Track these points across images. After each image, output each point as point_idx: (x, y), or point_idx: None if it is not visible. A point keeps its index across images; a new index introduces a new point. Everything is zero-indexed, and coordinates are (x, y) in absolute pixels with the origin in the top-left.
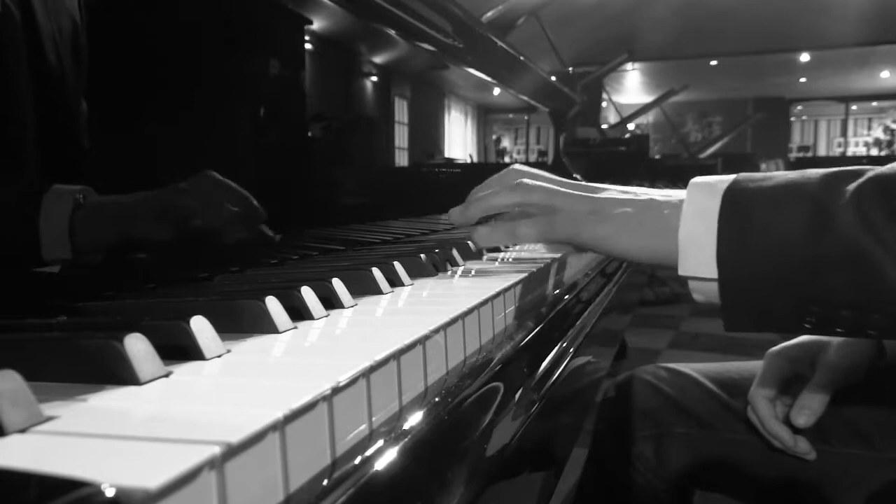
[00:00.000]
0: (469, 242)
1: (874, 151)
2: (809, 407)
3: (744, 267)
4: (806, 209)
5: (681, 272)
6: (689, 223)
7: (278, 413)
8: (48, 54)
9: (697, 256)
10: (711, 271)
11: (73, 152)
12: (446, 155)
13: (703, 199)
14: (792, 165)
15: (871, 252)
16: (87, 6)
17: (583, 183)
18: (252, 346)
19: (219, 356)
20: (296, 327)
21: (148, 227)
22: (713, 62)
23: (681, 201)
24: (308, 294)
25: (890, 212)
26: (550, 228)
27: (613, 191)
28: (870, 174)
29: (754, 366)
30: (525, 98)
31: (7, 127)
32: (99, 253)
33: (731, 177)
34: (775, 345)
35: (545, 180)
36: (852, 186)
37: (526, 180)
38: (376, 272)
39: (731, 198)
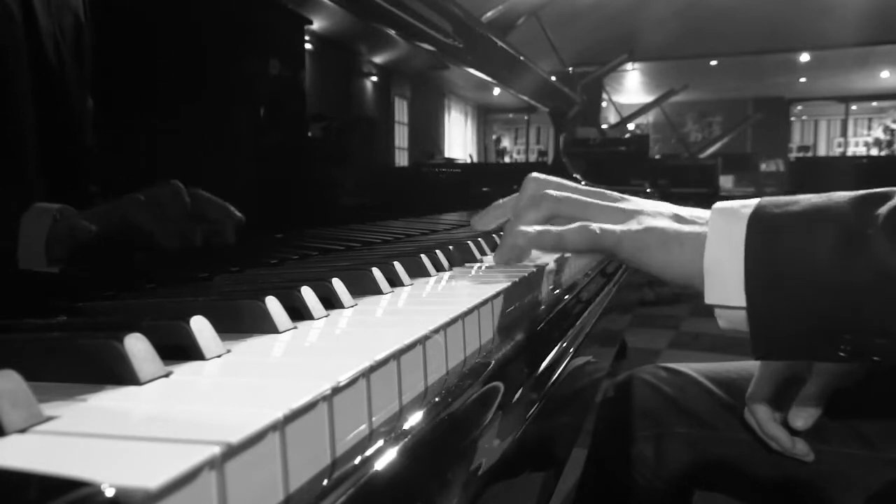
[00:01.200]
0: (470, 242)
1: (874, 151)
2: (807, 409)
3: (773, 295)
4: (835, 234)
5: (707, 300)
6: (714, 250)
7: (278, 413)
8: (49, 54)
9: (724, 284)
10: (739, 299)
11: (75, 152)
12: (446, 155)
13: (728, 225)
14: (792, 165)
15: None
16: (87, 5)
17: (603, 191)
18: (252, 346)
19: (219, 356)
20: (296, 327)
21: (114, 235)
22: (713, 62)
23: (707, 221)
24: (308, 294)
25: None
26: (597, 238)
27: (636, 201)
28: None
29: (754, 366)
30: (525, 98)
31: (4, 129)
32: (74, 264)
33: (755, 201)
34: None
35: (569, 191)
36: (884, 210)
37: (549, 192)
38: (376, 272)
39: (758, 224)
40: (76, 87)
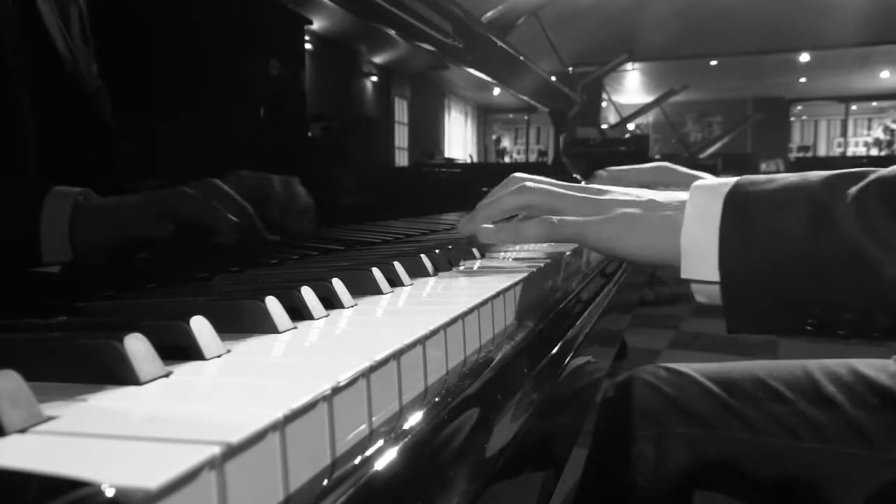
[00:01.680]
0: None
1: (874, 151)
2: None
3: (745, 270)
4: (807, 211)
5: (683, 275)
6: (692, 226)
7: (278, 413)
8: (58, 45)
9: (700, 259)
10: (714, 274)
11: (74, 152)
12: (446, 155)
13: (705, 202)
14: (792, 165)
15: (871, 254)
16: (87, 5)
17: (584, 185)
18: (252, 346)
19: (219, 356)
20: (296, 327)
21: (146, 228)
22: (713, 62)
23: (682, 202)
24: (308, 294)
25: (891, 214)
26: (555, 229)
27: (616, 192)
28: (872, 177)
29: (754, 366)
30: (525, 98)
31: (13, 123)
32: (99, 254)
33: (733, 179)
34: (776, 345)
35: (547, 184)
36: (854, 189)
37: (528, 183)
38: (376, 272)
39: (733, 201)
40: (89, 70)
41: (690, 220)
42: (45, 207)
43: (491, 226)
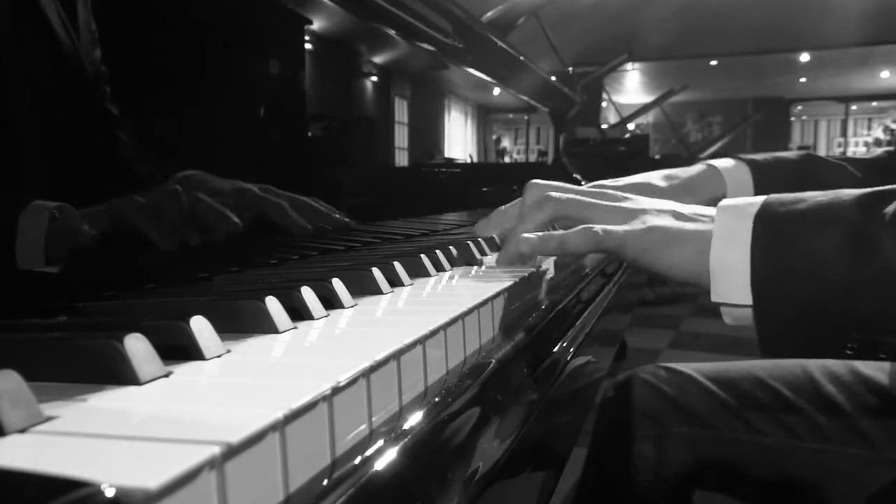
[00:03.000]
0: (470, 243)
1: (874, 151)
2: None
3: (780, 294)
4: (843, 234)
5: (714, 298)
6: (719, 248)
7: (278, 413)
8: (62, 39)
9: (730, 282)
10: (745, 297)
11: (73, 151)
12: (446, 155)
13: (733, 224)
14: None
15: None
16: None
17: (604, 191)
18: (252, 346)
19: (219, 356)
20: (296, 327)
21: (112, 235)
22: (713, 62)
23: (709, 218)
24: (308, 294)
25: None
26: (600, 240)
27: (640, 200)
28: None
29: (754, 366)
30: (525, 98)
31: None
32: (71, 262)
33: (761, 199)
34: None
35: (570, 193)
36: (891, 209)
37: (552, 194)
38: (376, 272)
39: (763, 222)
40: (78, 87)
41: (718, 242)
42: (21, 223)
43: (533, 236)
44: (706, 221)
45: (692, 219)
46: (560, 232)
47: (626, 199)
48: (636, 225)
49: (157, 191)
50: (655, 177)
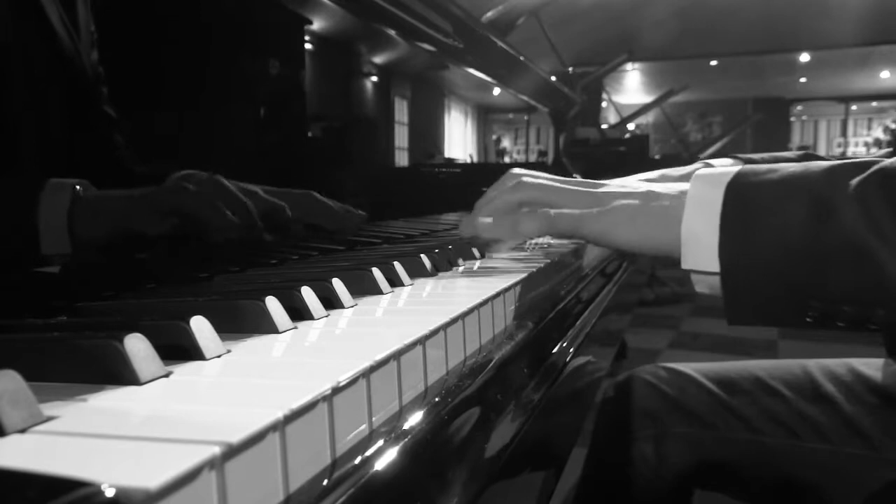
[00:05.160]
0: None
1: (874, 151)
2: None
3: (745, 260)
4: (808, 202)
5: (683, 265)
6: (692, 215)
7: (278, 413)
8: (59, 46)
9: (700, 249)
10: (714, 265)
11: (72, 151)
12: (446, 155)
13: (706, 192)
14: None
15: (872, 247)
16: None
17: (582, 180)
18: (252, 346)
19: (219, 356)
20: (296, 327)
21: (145, 222)
22: (713, 62)
23: (682, 192)
24: (308, 294)
25: (893, 207)
26: (551, 222)
27: (613, 185)
28: (874, 168)
29: (754, 366)
30: (525, 98)
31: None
32: (99, 247)
33: (735, 169)
34: (776, 345)
35: (545, 178)
36: (856, 180)
37: (526, 179)
38: (376, 272)
39: (734, 190)
40: (78, 85)
41: (691, 210)
42: (42, 200)
43: (489, 219)
44: (675, 197)
45: (660, 196)
46: (513, 216)
47: (597, 184)
48: (597, 207)
49: (200, 181)
50: (649, 177)
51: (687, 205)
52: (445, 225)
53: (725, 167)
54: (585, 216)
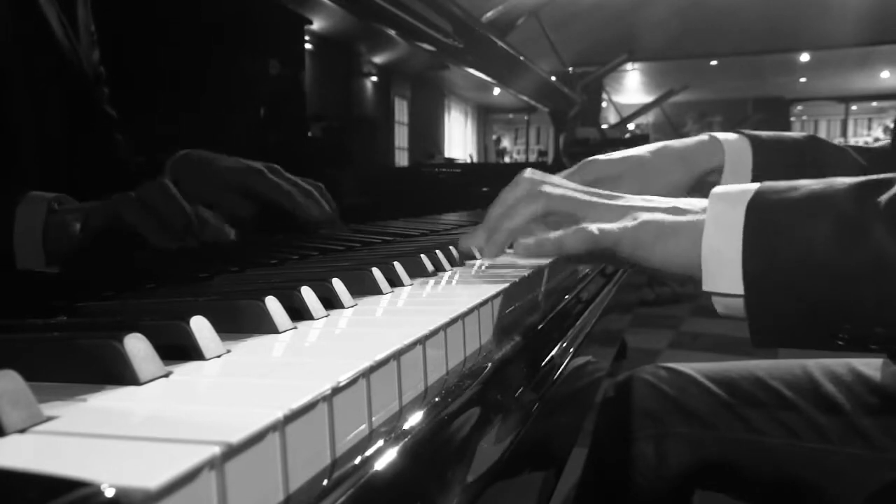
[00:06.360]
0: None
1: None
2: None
3: (772, 284)
4: (835, 221)
5: (704, 287)
6: (712, 236)
7: (278, 413)
8: (58, 46)
9: (721, 271)
10: (736, 287)
11: (71, 151)
12: (446, 155)
13: (726, 212)
14: None
15: None
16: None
17: (595, 190)
18: (252, 346)
19: (219, 356)
20: (296, 327)
21: (100, 231)
22: (713, 62)
23: (705, 210)
24: (308, 294)
25: None
26: (596, 240)
27: (635, 198)
28: None
29: (754, 366)
30: (525, 98)
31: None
32: (72, 259)
33: (754, 186)
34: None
35: (569, 188)
36: (884, 198)
37: (547, 189)
38: (376, 272)
39: (756, 210)
40: (78, 84)
41: (710, 230)
42: (18, 214)
43: (529, 241)
44: (699, 213)
45: (686, 212)
46: (555, 234)
47: (620, 197)
48: (628, 222)
49: (156, 189)
50: (649, 148)
51: (706, 224)
52: (445, 225)
53: (742, 186)
54: (624, 233)
